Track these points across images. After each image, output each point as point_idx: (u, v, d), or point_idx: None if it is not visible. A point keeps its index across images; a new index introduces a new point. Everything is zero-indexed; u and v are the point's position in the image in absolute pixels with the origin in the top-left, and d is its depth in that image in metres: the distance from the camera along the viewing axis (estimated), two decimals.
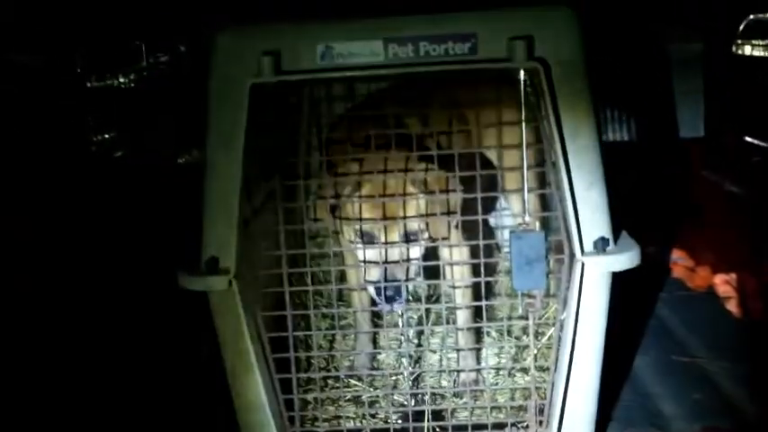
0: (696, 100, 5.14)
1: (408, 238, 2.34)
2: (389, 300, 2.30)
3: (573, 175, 2.12)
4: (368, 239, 2.35)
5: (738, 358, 3.01)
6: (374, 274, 2.34)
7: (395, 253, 2.33)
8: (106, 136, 4.00)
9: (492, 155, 2.64)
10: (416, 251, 2.39)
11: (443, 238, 2.37)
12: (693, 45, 5.24)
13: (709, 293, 3.65)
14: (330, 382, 2.63)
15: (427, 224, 2.35)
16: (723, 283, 3.61)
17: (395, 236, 2.33)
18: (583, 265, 2.14)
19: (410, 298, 2.35)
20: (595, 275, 2.16)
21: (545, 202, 2.78)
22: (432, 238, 2.41)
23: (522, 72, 2.13)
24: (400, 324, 2.67)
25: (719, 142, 5.44)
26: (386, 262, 2.32)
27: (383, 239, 2.33)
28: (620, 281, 2.22)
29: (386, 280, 2.30)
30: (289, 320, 2.28)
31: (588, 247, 2.15)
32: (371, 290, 2.36)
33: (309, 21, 2.20)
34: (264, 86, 2.13)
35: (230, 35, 2.20)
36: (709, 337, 3.23)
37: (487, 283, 2.39)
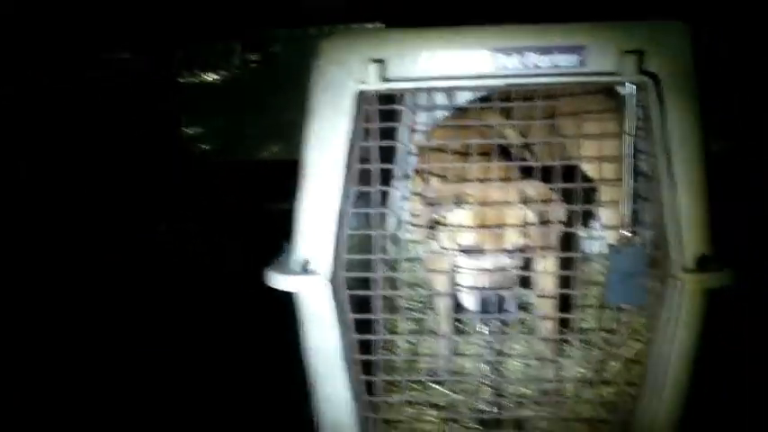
0: None
1: (508, 249, 2.32)
2: (487, 312, 2.29)
3: (678, 189, 2.10)
4: (468, 249, 2.33)
5: None
6: (470, 280, 2.33)
7: (493, 263, 2.32)
8: (196, 130, 4.12)
9: (587, 167, 2.61)
10: (514, 262, 2.36)
11: (542, 248, 2.35)
12: None
13: None
14: (412, 385, 2.63)
15: (527, 236, 2.32)
16: None
17: (495, 247, 2.31)
18: (681, 281, 2.12)
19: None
20: (694, 293, 2.14)
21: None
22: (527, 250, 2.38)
23: (629, 86, 2.09)
24: (484, 331, 2.67)
25: None
26: (483, 270, 2.31)
27: (484, 250, 2.31)
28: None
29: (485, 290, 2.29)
30: (379, 324, 2.29)
31: (689, 263, 2.12)
32: (466, 298, 2.35)
33: (415, 28, 2.19)
34: (368, 93, 2.13)
35: (336, 41, 2.20)
36: None
37: (571, 296, 2.38)
